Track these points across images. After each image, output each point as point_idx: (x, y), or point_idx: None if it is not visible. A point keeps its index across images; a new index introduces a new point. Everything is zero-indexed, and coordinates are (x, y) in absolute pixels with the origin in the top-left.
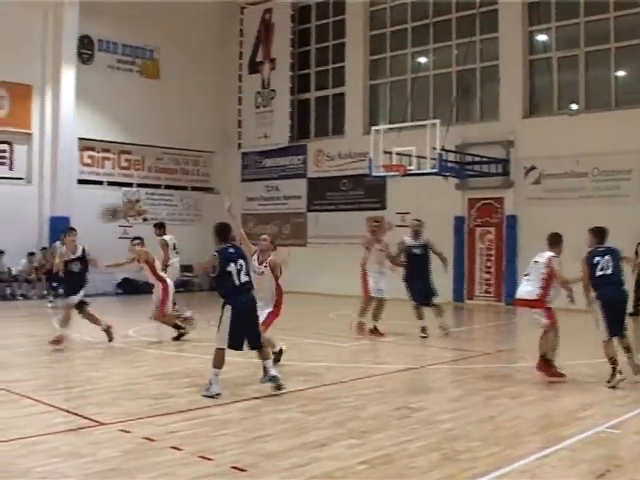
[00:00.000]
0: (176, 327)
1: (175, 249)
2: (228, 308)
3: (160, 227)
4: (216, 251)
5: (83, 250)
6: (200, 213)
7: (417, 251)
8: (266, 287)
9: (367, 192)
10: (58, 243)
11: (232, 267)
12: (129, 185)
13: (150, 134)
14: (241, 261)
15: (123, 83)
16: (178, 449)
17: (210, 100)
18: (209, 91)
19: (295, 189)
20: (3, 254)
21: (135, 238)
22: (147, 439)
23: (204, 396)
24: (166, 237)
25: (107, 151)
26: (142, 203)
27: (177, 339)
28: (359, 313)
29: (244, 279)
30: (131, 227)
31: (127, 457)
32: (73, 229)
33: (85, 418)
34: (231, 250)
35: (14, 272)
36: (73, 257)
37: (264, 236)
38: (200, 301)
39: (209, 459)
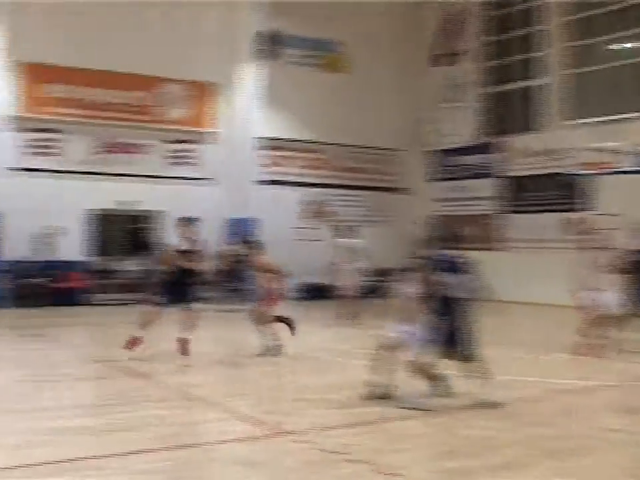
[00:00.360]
0: (280, 320)
1: (356, 252)
2: (435, 318)
3: (348, 230)
4: (420, 257)
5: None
6: (387, 214)
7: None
8: None
9: (565, 192)
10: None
11: (436, 277)
12: (314, 185)
13: (335, 131)
14: (446, 273)
15: (308, 79)
16: (359, 463)
17: (395, 95)
18: (394, 86)
19: (483, 189)
20: None
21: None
22: (328, 450)
23: (406, 408)
24: (345, 240)
25: (291, 149)
26: (327, 205)
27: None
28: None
29: (447, 292)
30: (317, 229)
31: (307, 469)
32: (190, 220)
33: (267, 426)
34: (436, 259)
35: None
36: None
37: None
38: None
39: (391, 475)
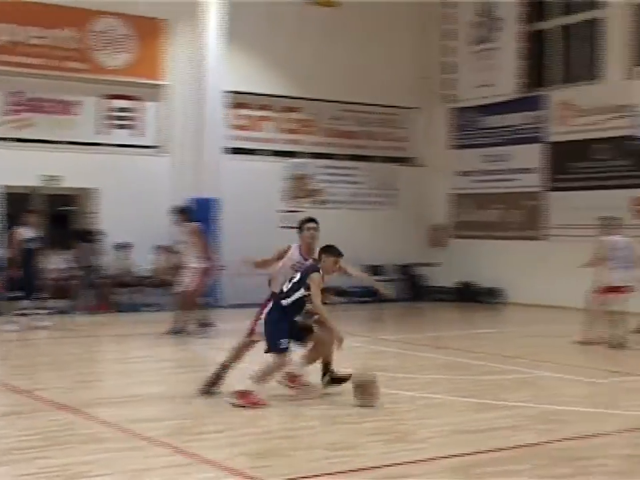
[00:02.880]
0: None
1: None
2: None
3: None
4: None
5: None
6: (395, 192)
7: None
8: None
9: (635, 161)
10: None
11: None
12: (296, 154)
13: (324, 84)
14: None
15: (287, 15)
16: None
17: (406, 35)
18: (404, 23)
19: (527, 158)
20: (130, 248)
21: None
22: None
23: None
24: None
25: (266, 108)
26: (314, 179)
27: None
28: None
29: None
30: (298, 211)
31: None
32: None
33: (238, 473)
34: None
35: (142, 273)
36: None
37: None
38: (396, 317)
39: None
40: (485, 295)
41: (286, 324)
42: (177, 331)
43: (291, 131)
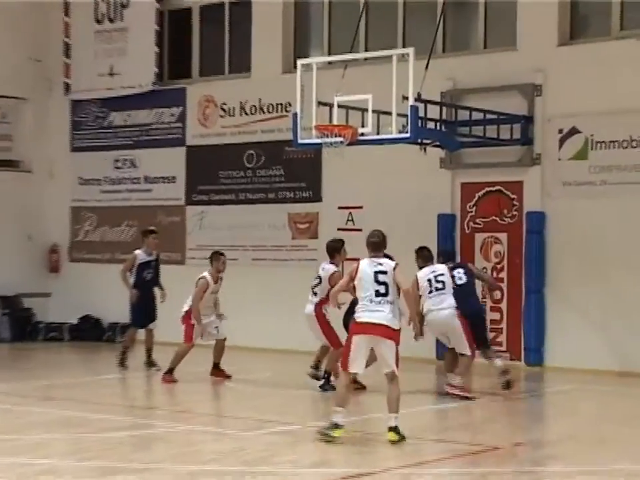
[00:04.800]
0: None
1: None
2: None
3: None
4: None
5: None
6: None
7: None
8: None
9: (289, 171)
10: None
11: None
12: None
13: None
14: None
15: None
16: None
17: (12, 9)
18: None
19: (165, 164)
20: None
21: None
22: None
23: None
24: None
25: None
26: None
27: None
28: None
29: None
30: None
31: None
32: None
33: None
34: None
35: None
36: None
37: None
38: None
39: None
40: (111, 332)
41: None
42: None
43: None
